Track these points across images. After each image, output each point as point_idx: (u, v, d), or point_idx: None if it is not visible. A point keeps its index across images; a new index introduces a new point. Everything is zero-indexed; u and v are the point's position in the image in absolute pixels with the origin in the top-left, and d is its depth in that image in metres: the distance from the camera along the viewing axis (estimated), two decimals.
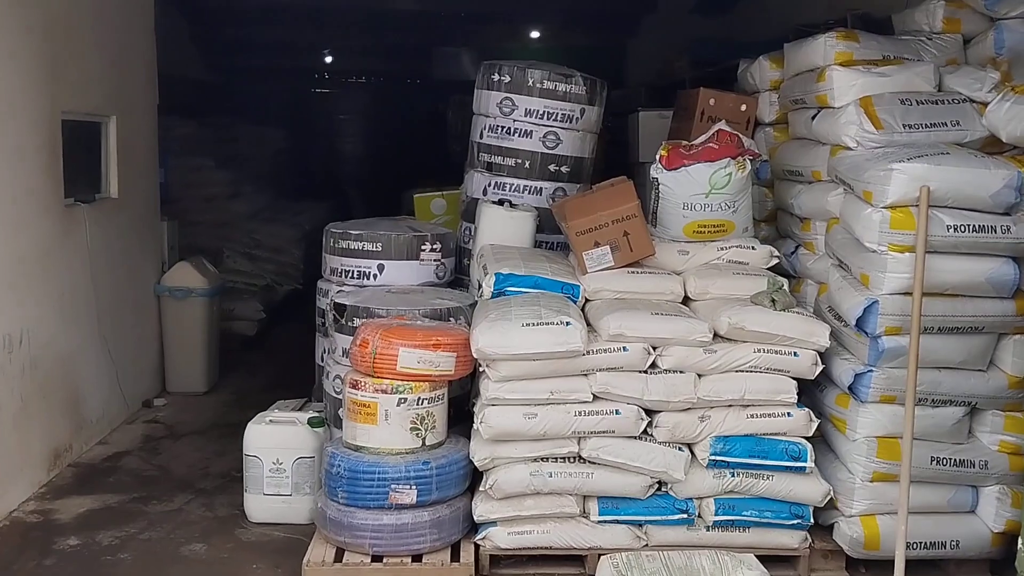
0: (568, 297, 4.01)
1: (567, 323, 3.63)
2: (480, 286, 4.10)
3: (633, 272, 4.07)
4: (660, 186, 4.23)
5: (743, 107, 4.84)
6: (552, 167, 4.86)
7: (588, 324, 3.83)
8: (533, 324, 3.62)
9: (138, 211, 5.81)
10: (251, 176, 11.47)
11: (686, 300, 4.07)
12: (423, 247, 4.67)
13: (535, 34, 13.25)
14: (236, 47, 13.69)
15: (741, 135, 4.34)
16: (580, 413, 3.65)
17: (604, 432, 3.67)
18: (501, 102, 4.83)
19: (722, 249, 4.22)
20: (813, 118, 4.19)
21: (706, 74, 7.52)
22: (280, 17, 12.67)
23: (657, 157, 4.25)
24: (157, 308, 6.06)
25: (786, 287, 3.94)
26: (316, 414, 4.21)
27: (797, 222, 4.42)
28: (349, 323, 4.18)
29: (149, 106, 5.98)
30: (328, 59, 14.13)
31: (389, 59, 14.15)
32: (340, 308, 4.23)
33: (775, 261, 4.25)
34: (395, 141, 14.59)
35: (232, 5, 12.25)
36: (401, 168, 14.32)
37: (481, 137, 4.96)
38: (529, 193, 4.88)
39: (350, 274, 4.67)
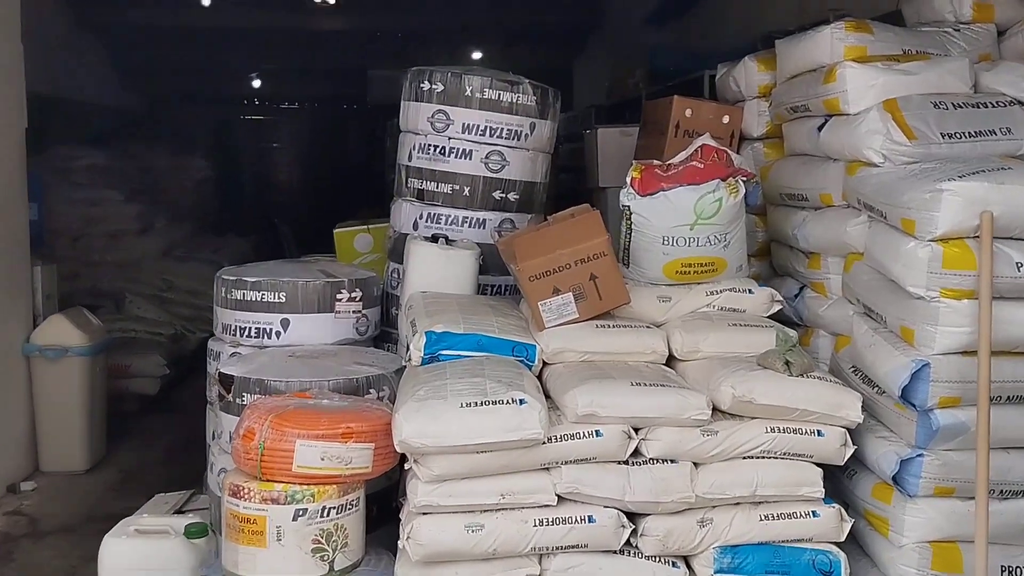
0: (521, 361, 3.08)
1: (521, 401, 2.70)
2: (408, 348, 3.15)
3: (603, 326, 3.15)
4: (633, 216, 3.33)
5: (725, 118, 3.97)
6: (497, 194, 3.93)
7: (548, 398, 2.90)
8: (476, 404, 2.68)
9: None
10: (167, 209, 10.41)
11: (671, 360, 3.17)
12: (339, 296, 3.71)
13: (476, 55, 12.40)
14: (158, 71, 12.62)
15: (729, 151, 3.47)
16: (541, 522, 2.69)
17: (574, 547, 2.72)
18: (433, 116, 3.90)
19: (712, 293, 3.33)
20: (820, 128, 3.33)
21: (666, 88, 6.71)
22: (205, 39, 11.67)
23: (627, 180, 3.35)
24: (26, 371, 4.99)
25: (799, 344, 3.05)
26: (196, 521, 3.20)
27: (801, 258, 3.55)
28: (238, 400, 3.21)
29: (12, 132, 4.94)
30: (256, 83, 13.13)
31: (321, 82, 13.20)
32: (226, 380, 3.25)
33: (777, 307, 3.37)
34: (329, 169, 13.60)
35: (153, 27, 11.22)
36: (336, 198, 13.34)
37: (410, 159, 4.02)
38: (469, 226, 3.94)
39: (247, 332, 3.69)
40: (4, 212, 4.84)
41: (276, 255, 11.10)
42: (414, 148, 3.99)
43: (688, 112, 3.94)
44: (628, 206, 3.34)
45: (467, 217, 3.93)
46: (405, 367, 3.17)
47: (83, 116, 10.64)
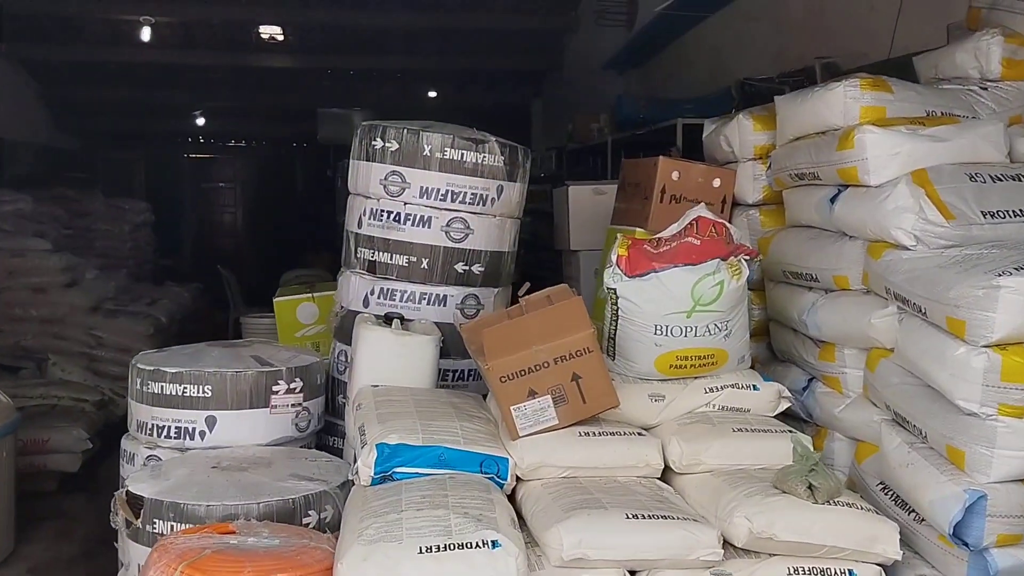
0: (491, 478, 2.57)
1: (494, 543, 2.17)
2: (355, 460, 2.62)
3: (588, 434, 2.65)
4: (620, 301, 2.85)
5: (716, 182, 3.52)
6: (460, 266, 3.42)
7: (523, 528, 2.39)
8: (439, 548, 2.15)
9: None
10: (99, 258, 9.74)
11: (666, 472, 2.68)
12: (275, 388, 3.17)
13: (432, 93, 11.95)
14: (94, 109, 12.00)
15: (728, 224, 3.01)
16: None
17: None
18: (387, 178, 3.39)
19: (712, 390, 2.85)
20: (833, 200, 2.89)
21: (634, 137, 6.31)
22: (145, 76, 11.07)
23: (613, 258, 2.87)
24: None
25: (822, 461, 2.57)
26: None
27: (810, 346, 3.08)
28: (149, 528, 2.64)
29: None
30: (200, 121, 12.52)
31: (269, 121, 12.65)
32: (135, 502, 2.68)
33: (785, 405, 2.90)
34: (277, 211, 13.00)
35: (89, 62, 10.62)
36: (284, 242, 12.75)
37: (359, 226, 3.50)
38: (428, 303, 3.42)
39: (165, 432, 3.13)
40: None
41: (220, 306, 10.48)
42: (364, 213, 3.47)
43: (675, 175, 3.48)
44: (614, 289, 2.86)
45: (425, 293, 3.42)
46: (351, 481, 2.64)
47: (10, 156, 9.97)
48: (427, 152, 3.35)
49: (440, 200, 3.37)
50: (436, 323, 3.33)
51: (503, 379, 2.63)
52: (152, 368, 3.15)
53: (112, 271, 9.14)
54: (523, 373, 2.62)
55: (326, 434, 3.50)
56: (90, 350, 7.47)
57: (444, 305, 3.42)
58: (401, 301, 3.42)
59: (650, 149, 6.27)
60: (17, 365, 6.82)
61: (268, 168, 13.48)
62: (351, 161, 3.59)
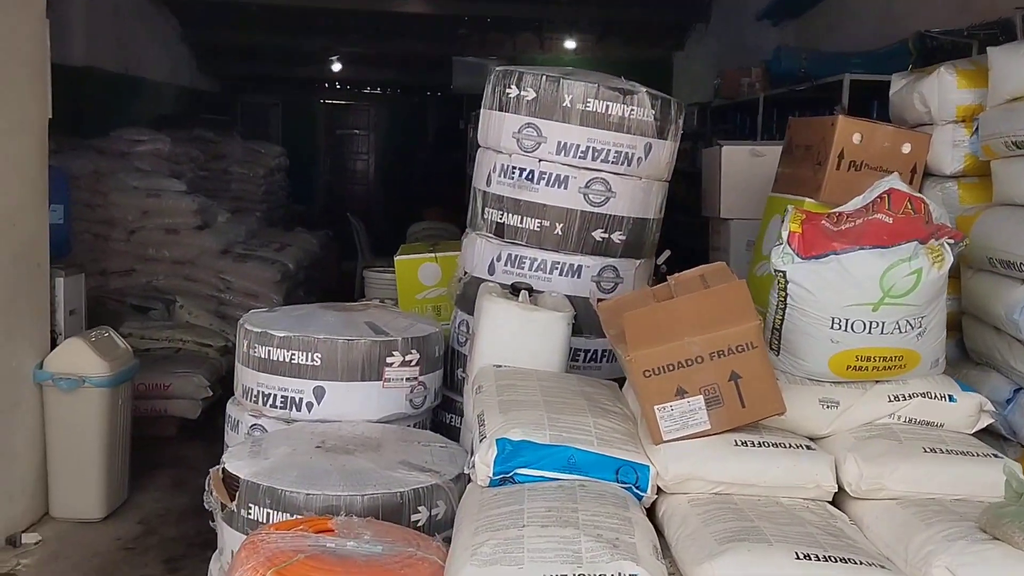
0: (629, 488, 2.18)
1: None
2: (472, 455, 2.26)
3: (745, 443, 2.21)
4: (790, 286, 2.38)
5: (906, 147, 2.97)
6: (598, 234, 3.01)
7: (666, 554, 2.00)
8: None
9: (7, 267, 4.04)
10: (233, 201, 9.74)
11: (839, 496, 2.22)
12: (389, 360, 2.85)
13: (569, 44, 11.42)
14: (233, 52, 12.01)
15: (927, 199, 2.48)
16: None
17: None
18: (520, 131, 2.99)
19: (897, 399, 2.37)
20: None
21: (792, 94, 5.70)
22: (284, 19, 10.97)
23: (784, 235, 2.40)
24: (38, 401, 4.26)
25: None
26: None
27: (1019, 350, 2.55)
28: (244, 513, 2.37)
29: (30, 127, 4.19)
30: (336, 67, 12.37)
31: (403, 68, 12.40)
32: (231, 483, 2.41)
33: (987, 421, 2.39)
34: (408, 160, 12.80)
35: (230, 4, 10.57)
36: (414, 191, 12.57)
37: (488, 183, 3.12)
38: (560, 273, 3.03)
39: (271, 400, 2.86)
40: (18, 217, 4.09)
41: (348, 254, 10.38)
42: (494, 170, 3.09)
43: (856, 137, 2.95)
44: (783, 272, 2.38)
45: (558, 263, 3.02)
46: (465, 476, 2.30)
47: (153, 96, 10.04)
48: (567, 103, 2.92)
49: (579, 158, 2.95)
50: (568, 296, 2.93)
51: (647, 373, 2.22)
52: (260, 330, 2.87)
53: (244, 215, 9.12)
54: (671, 368, 2.20)
55: (443, 411, 3.18)
56: (218, 293, 7.42)
57: (578, 277, 3.02)
58: (530, 270, 3.03)
59: (808, 108, 5.66)
60: (147, 306, 6.79)
61: (401, 116, 13.28)
62: (482, 111, 3.20)
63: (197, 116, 10.81)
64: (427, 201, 9.66)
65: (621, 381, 2.65)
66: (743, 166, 4.02)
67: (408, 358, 2.87)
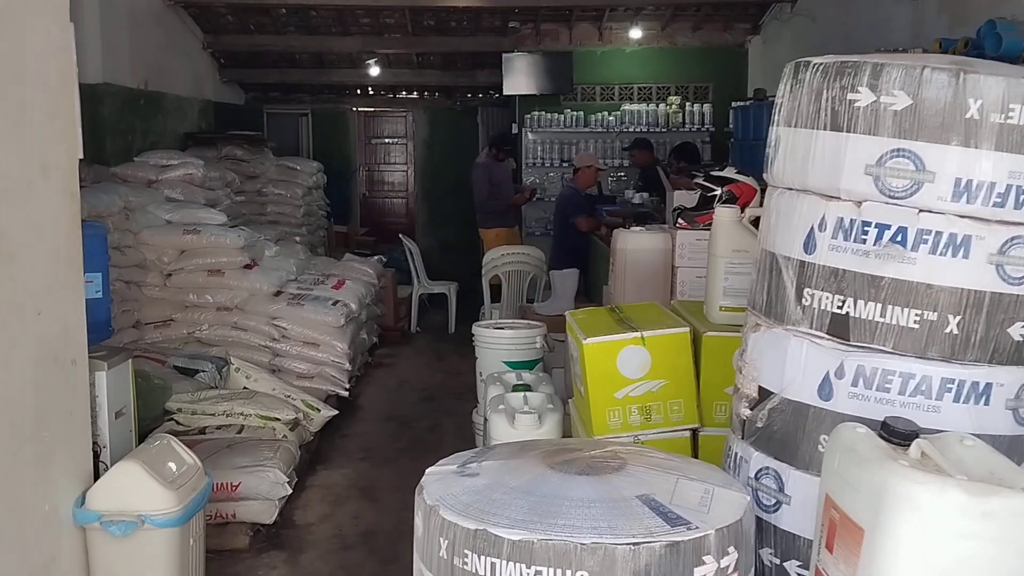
0: None
1: None
2: None
3: None
4: None
5: None
6: (1020, 330, 1.79)
7: None
8: None
9: (32, 370, 2.83)
10: (271, 226, 8.58)
11: None
12: (699, 569, 1.64)
13: (635, 33, 10.17)
14: (259, 58, 10.83)
15: None
16: None
17: None
18: (883, 161, 1.77)
19: None
20: None
21: None
22: (313, 23, 9.77)
23: None
24: (82, 552, 3.06)
25: None
26: None
27: None
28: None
29: (56, 168, 2.97)
30: (374, 71, 11.11)
31: (448, 70, 11.16)
32: None
33: None
34: (456, 172, 11.52)
35: (255, 8, 9.36)
36: (462, 206, 11.32)
37: (810, 248, 1.89)
38: (957, 398, 1.79)
39: None
40: (46, 302, 2.87)
41: (401, 279, 9.18)
42: (822, 226, 1.87)
43: None
44: None
45: (951, 381, 1.80)
46: None
47: (175, 112, 8.83)
48: (973, 113, 1.70)
49: (994, 205, 1.73)
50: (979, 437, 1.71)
51: None
52: (476, 527, 1.66)
53: (287, 243, 7.94)
54: None
55: None
56: (272, 343, 6.25)
57: (985, 403, 1.80)
58: (901, 393, 1.81)
59: None
60: (194, 367, 5.59)
61: (445, 122, 12.05)
62: (778, 129, 1.98)
63: (224, 132, 9.62)
64: (488, 218, 8.44)
65: None
66: None
67: (725, 563, 1.66)
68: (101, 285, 3.53)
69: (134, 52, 7.78)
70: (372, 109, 12.16)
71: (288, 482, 4.37)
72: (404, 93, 11.99)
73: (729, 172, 4.19)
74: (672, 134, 9.88)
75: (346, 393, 6.30)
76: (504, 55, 9.90)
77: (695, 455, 2.73)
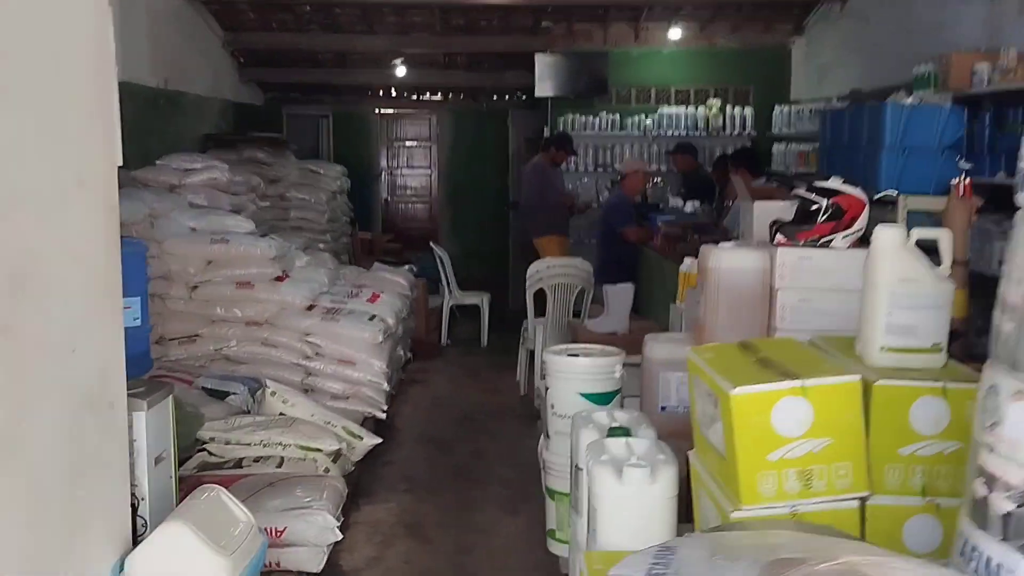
0: None
1: None
2: None
3: None
4: None
5: None
6: None
7: None
8: None
9: (63, 418, 2.36)
10: (295, 232, 8.13)
11: None
12: None
13: (674, 33, 9.71)
14: (279, 58, 10.37)
15: None
16: None
17: None
18: None
19: None
20: None
21: None
22: (334, 19, 9.31)
23: None
24: None
25: None
26: None
27: None
28: None
29: (94, 177, 2.50)
30: (400, 71, 10.66)
31: (475, 70, 10.70)
32: None
33: None
34: (485, 177, 11.05)
35: (278, 5, 8.91)
36: (493, 213, 10.86)
37: None
38: None
39: None
40: (81, 337, 2.40)
41: (431, 289, 8.71)
42: None
43: None
44: None
45: None
46: None
47: (195, 113, 8.38)
48: None
49: None
50: None
51: None
52: None
53: (313, 252, 7.47)
54: None
55: None
56: (305, 361, 5.78)
57: None
58: None
59: None
60: (224, 389, 5.13)
61: (472, 125, 11.59)
62: None
63: (245, 134, 9.16)
64: (543, 226, 7.97)
65: None
66: None
67: None
68: (140, 311, 3.06)
69: (153, 49, 7.34)
70: (395, 111, 11.70)
71: (338, 527, 3.89)
72: (428, 95, 11.53)
73: (835, 183, 3.72)
74: (712, 138, 9.43)
75: (383, 416, 5.82)
76: (537, 55, 9.44)
77: (862, 528, 2.26)
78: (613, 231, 6.78)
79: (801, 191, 3.75)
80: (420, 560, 4.21)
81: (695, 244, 5.86)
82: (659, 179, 8.61)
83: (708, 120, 9.42)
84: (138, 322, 3.01)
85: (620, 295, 5.83)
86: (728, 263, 3.72)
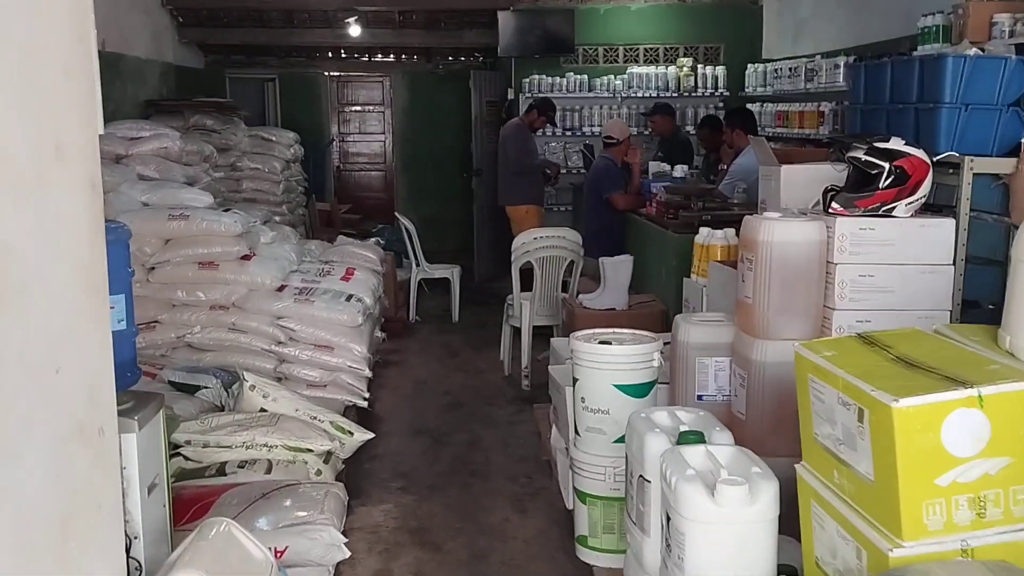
0: None
1: None
2: None
3: None
4: None
5: None
6: None
7: None
8: None
9: (47, 452, 1.84)
10: (245, 204, 7.51)
11: None
12: None
13: None
14: (220, 18, 9.63)
15: None
16: None
17: None
18: None
19: None
20: None
21: None
22: None
23: None
24: None
25: None
26: None
27: None
28: None
29: (72, 150, 1.95)
30: (355, 30, 10.00)
31: (432, 29, 10.08)
32: None
33: None
34: (444, 143, 10.46)
35: None
36: (455, 182, 10.33)
37: None
38: None
39: None
40: (63, 352, 1.87)
41: (397, 262, 8.17)
42: None
43: None
44: None
45: None
46: None
47: (135, 77, 7.65)
48: None
49: None
50: None
51: None
52: None
53: (275, 226, 6.87)
54: None
55: None
56: (278, 347, 5.24)
57: None
58: None
59: None
60: (194, 383, 4.59)
61: (426, 88, 10.99)
62: None
63: (189, 99, 8.45)
64: (517, 194, 7.50)
65: None
66: None
67: None
68: (124, 312, 2.51)
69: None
70: (346, 73, 11.03)
71: (345, 543, 3.41)
72: (381, 56, 10.88)
73: (896, 143, 3.34)
74: (684, 99, 9.03)
75: (365, 404, 5.32)
76: (499, 12, 8.89)
77: None
78: (600, 198, 6.35)
79: (859, 153, 3.37)
80: (433, 572, 3.76)
81: (697, 212, 5.47)
82: (645, 144, 8.19)
83: (680, 80, 9.01)
84: (123, 325, 2.47)
85: (619, 268, 5.41)
86: (781, 236, 3.32)
